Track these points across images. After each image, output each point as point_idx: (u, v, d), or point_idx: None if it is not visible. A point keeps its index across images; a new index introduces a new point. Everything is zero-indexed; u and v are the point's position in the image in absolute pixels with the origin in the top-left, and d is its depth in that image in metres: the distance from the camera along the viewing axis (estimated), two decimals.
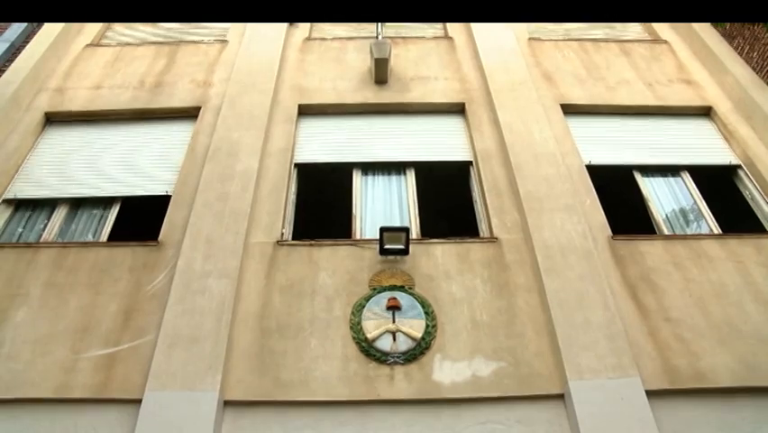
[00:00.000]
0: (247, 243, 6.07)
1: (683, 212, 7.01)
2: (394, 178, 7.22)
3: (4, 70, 8.15)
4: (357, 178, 7.16)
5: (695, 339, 5.37)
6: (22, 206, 7.03)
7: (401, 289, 5.71)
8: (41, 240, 6.54)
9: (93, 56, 9.01)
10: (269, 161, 7.05)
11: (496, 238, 6.24)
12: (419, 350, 5.26)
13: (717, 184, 7.37)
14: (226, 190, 6.51)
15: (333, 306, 5.61)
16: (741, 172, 7.32)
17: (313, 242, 6.16)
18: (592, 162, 7.17)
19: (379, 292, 5.69)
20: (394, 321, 5.43)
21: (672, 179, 7.33)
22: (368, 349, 5.26)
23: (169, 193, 6.83)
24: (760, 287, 5.82)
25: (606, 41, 9.46)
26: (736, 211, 7.07)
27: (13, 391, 5.00)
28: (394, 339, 5.31)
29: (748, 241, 6.26)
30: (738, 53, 8.54)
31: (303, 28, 9.67)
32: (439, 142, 7.64)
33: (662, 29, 9.71)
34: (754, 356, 5.24)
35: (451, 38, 9.44)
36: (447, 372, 5.14)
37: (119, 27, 9.98)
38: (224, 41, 9.26)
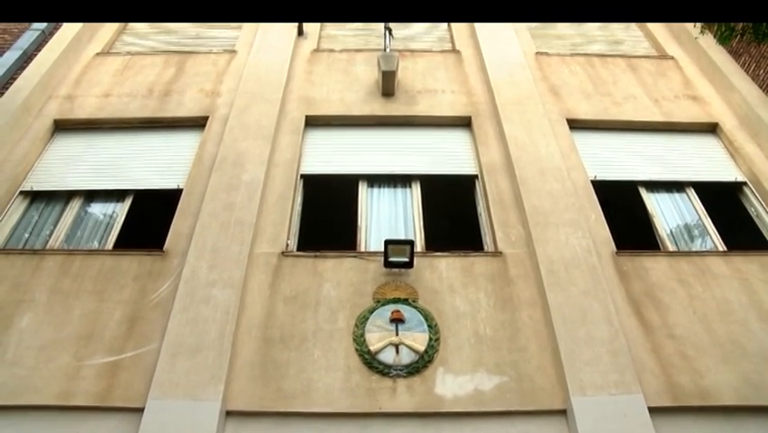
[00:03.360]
0: (252, 253, 6.10)
1: (688, 228, 7.00)
2: (399, 190, 7.24)
3: (16, 78, 8.23)
4: (363, 190, 7.19)
5: (699, 357, 5.36)
6: (35, 202, 7.16)
7: (405, 301, 5.72)
8: (48, 246, 6.58)
9: (103, 64, 9.09)
10: (275, 171, 7.08)
11: (500, 252, 6.24)
12: (422, 363, 5.26)
13: (723, 201, 7.36)
14: (232, 200, 6.54)
15: (337, 317, 5.62)
16: (746, 189, 7.32)
17: (318, 253, 6.17)
18: (597, 177, 7.18)
19: (382, 305, 5.69)
20: (397, 334, 5.44)
21: (677, 195, 7.34)
22: (371, 361, 5.26)
23: (180, 186, 6.93)
24: (765, 305, 5.80)
25: (613, 56, 9.49)
26: (741, 228, 7.06)
27: (16, 397, 5.01)
28: (397, 352, 5.32)
29: (753, 258, 6.25)
30: (745, 71, 8.56)
31: (311, 39, 9.75)
32: (445, 155, 7.68)
33: (669, 45, 9.75)
34: (758, 375, 5.22)
35: (458, 51, 9.49)
36: (449, 385, 5.14)
37: (129, 36, 10.09)
38: (233, 52, 9.33)
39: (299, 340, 5.43)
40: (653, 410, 4.90)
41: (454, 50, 9.56)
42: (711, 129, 8.10)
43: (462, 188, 7.48)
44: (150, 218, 6.82)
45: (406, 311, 5.62)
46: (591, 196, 6.86)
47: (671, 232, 6.90)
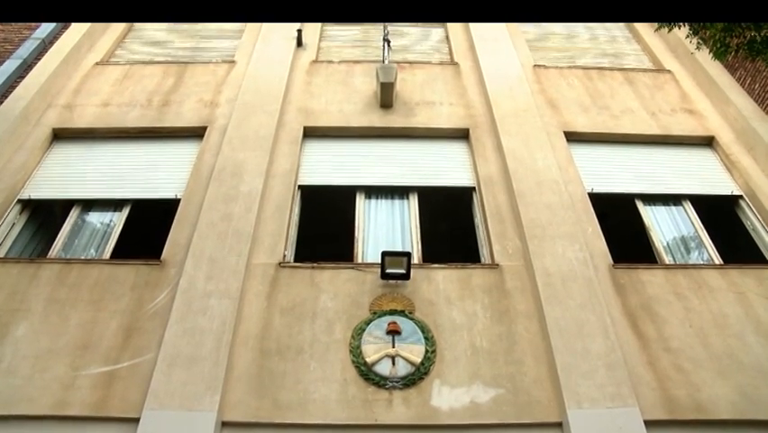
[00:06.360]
0: (249, 264, 6.10)
1: (684, 241, 7.02)
2: (397, 202, 7.26)
3: (15, 86, 8.25)
4: (360, 201, 7.20)
5: (695, 370, 5.36)
6: (34, 214, 7.22)
7: (401, 313, 5.72)
8: (45, 254, 6.58)
9: (102, 74, 9.12)
10: (273, 182, 7.09)
11: (497, 264, 6.25)
12: (418, 375, 5.25)
13: (719, 214, 7.39)
14: (230, 211, 6.55)
15: (334, 329, 5.62)
16: (742, 203, 7.34)
17: (315, 264, 6.18)
18: (594, 190, 7.20)
19: (379, 316, 5.69)
20: (394, 346, 5.43)
21: (673, 208, 7.36)
22: (367, 373, 5.25)
23: (178, 196, 6.94)
24: (761, 318, 5.81)
25: (610, 69, 9.56)
26: (738, 241, 7.08)
27: (10, 407, 4.99)
28: (393, 364, 5.31)
29: (749, 272, 6.27)
30: (740, 85, 8.63)
31: (310, 50, 9.79)
32: (442, 167, 7.70)
33: (666, 59, 9.82)
34: (755, 389, 5.21)
35: (456, 63, 9.54)
36: (446, 397, 5.13)
37: (128, 46, 10.13)
38: (232, 62, 9.36)
39: (296, 351, 5.43)
40: (650, 424, 4.89)
41: (453, 63, 9.61)
42: (708, 142, 8.14)
43: (460, 201, 7.50)
44: (147, 228, 6.82)
45: (402, 323, 5.62)
46: (588, 209, 6.88)
47: (667, 245, 6.92)
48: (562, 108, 8.51)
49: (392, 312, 5.73)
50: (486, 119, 8.22)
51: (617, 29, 10.95)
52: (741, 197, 7.39)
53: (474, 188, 7.36)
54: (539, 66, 9.51)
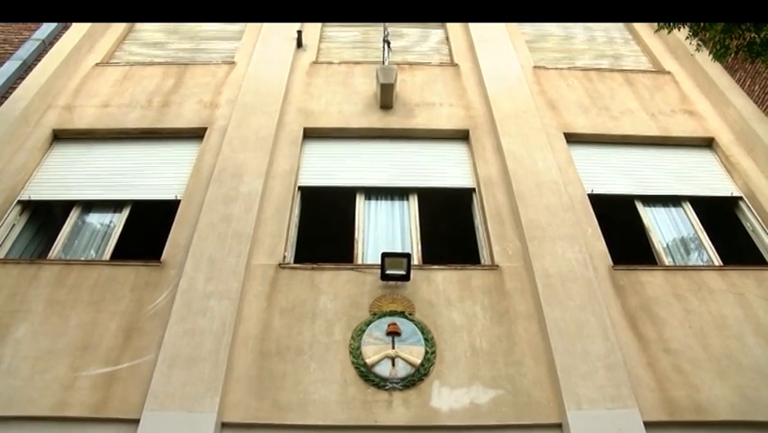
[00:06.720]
0: (249, 265, 6.10)
1: (684, 243, 7.03)
2: (397, 203, 7.26)
3: (15, 87, 8.25)
4: (360, 202, 7.20)
5: (694, 371, 5.37)
6: (34, 215, 7.22)
7: (401, 314, 5.72)
8: (45, 256, 6.59)
9: (102, 75, 9.12)
10: (273, 183, 7.09)
11: (497, 266, 6.26)
12: (418, 376, 5.25)
13: (719, 215, 7.40)
14: (230, 212, 6.55)
15: (334, 330, 5.62)
16: (742, 204, 7.34)
17: (314, 265, 6.18)
18: (594, 191, 7.20)
19: (379, 317, 5.69)
20: (393, 347, 5.43)
21: (673, 210, 7.36)
22: (367, 374, 5.26)
23: (178, 198, 6.95)
24: (761, 320, 5.81)
25: (610, 70, 9.56)
26: (737, 243, 7.09)
27: (10, 408, 5.00)
28: (393, 365, 5.31)
29: (749, 273, 6.27)
30: (740, 86, 8.63)
31: (310, 51, 9.79)
32: (442, 168, 7.70)
33: (666, 60, 9.82)
34: (754, 390, 5.22)
35: (456, 64, 9.54)
36: (445, 399, 5.13)
37: (128, 46, 10.13)
38: (232, 63, 9.36)
39: (296, 352, 5.43)
40: (649, 425, 4.90)
41: (453, 64, 9.61)
42: (707, 144, 8.15)
43: (460, 202, 7.50)
44: (147, 229, 6.83)
45: (402, 324, 5.62)
46: (588, 210, 6.88)
47: (667, 246, 6.92)
48: (562, 109, 8.51)
49: (392, 313, 5.74)
50: (486, 120, 8.22)
51: (616, 30, 10.95)
52: (741, 198, 7.39)
53: (474, 190, 7.36)
54: (539, 67, 9.51)
